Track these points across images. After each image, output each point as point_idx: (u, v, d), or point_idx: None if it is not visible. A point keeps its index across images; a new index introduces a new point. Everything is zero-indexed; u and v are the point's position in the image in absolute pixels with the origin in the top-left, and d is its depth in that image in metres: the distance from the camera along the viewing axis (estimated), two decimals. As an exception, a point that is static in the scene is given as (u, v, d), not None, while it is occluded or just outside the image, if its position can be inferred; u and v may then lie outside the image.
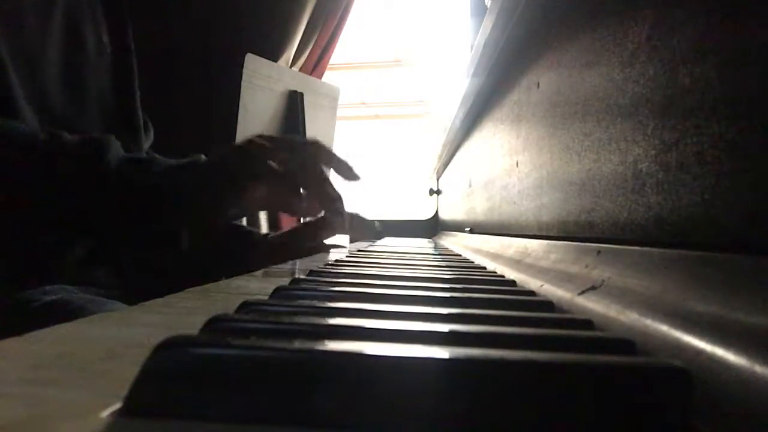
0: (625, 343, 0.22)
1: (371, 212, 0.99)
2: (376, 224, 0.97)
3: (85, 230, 0.60)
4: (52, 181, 0.56)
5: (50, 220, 0.57)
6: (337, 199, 0.67)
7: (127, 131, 0.82)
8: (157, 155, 0.64)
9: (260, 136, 0.65)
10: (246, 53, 1.48)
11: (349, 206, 0.82)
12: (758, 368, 0.16)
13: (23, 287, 0.61)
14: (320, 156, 0.68)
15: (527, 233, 0.60)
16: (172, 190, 0.60)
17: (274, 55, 1.79)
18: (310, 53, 1.98)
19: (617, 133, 0.35)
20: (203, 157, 0.65)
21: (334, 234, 0.71)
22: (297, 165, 0.65)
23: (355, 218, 0.87)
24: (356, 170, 0.73)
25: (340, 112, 1.88)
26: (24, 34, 0.66)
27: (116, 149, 0.60)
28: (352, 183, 0.73)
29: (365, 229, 0.91)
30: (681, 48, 0.27)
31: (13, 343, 0.22)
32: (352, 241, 1.38)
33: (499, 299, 0.35)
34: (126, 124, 0.82)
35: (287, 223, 1.86)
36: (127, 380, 0.16)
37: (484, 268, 0.63)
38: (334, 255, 0.65)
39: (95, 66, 0.78)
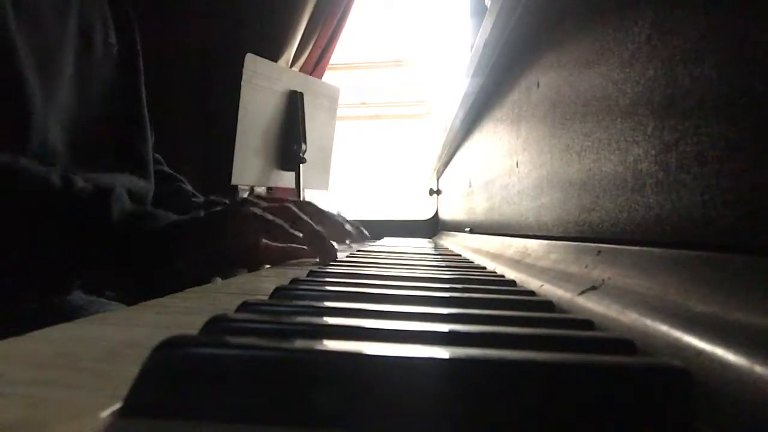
0: (625, 343, 0.22)
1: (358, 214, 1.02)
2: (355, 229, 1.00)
3: (80, 272, 0.61)
4: (54, 225, 0.57)
5: (48, 259, 0.58)
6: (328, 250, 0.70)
7: (133, 128, 0.82)
8: (160, 211, 0.65)
9: (255, 200, 0.69)
10: (246, 53, 1.48)
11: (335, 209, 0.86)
12: (758, 368, 0.16)
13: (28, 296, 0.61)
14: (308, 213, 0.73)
15: (527, 233, 0.60)
16: (164, 251, 0.62)
17: (274, 55, 1.79)
18: (310, 53, 1.98)
19: (617, 133, 0.35)
20: (200, 214, 0.67)
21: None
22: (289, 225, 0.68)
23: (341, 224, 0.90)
24: (345, 231, 0.81)
25: (340, 112, 1.88)
26: (43, 37, 0.67)
27: (122, 202, 0.62)
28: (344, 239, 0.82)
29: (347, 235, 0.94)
30: (681, 48, 0.27)
31: (13, 343, 0.22)
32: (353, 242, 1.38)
33: (499, 299, 0.35)
34: (132, 121, 0.83)
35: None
36: (127, 380, 0.16)
37: (484, 268, 0.63)
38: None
39: (102, 65, 0.78)
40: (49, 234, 0.57)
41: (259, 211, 0.64)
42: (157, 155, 0.98)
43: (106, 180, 0.66)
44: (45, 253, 0.57)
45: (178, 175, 1.00)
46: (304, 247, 0.70)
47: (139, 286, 0.72)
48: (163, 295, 0.37)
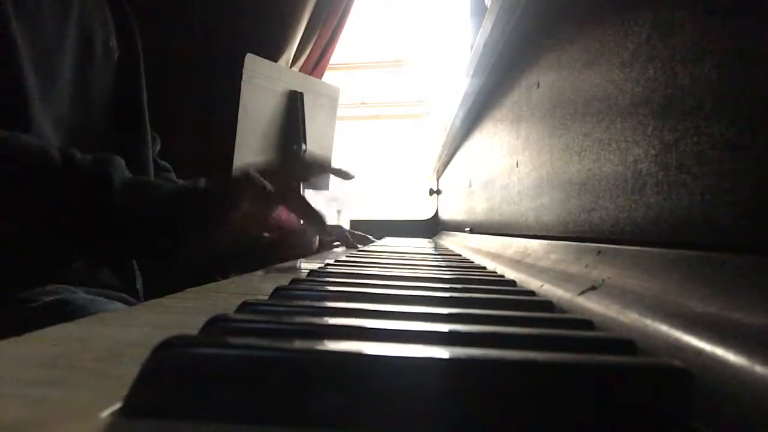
0: (625, 343, 0.22)
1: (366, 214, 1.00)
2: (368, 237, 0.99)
3: (84, 246, 0.61)
4: (56, 199, 0.57)
5: (51, 234, 0.58)
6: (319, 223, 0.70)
7: (133, 131, 0.82)
8: (161, 180, 0.65)
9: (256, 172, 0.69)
10: (246, 53, 1.48)
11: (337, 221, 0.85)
12: (758, 368, 0.16)
13: (29, 287, 0.61)
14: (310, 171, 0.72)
15: (527, 233, 0.60)
16: (169, 218, 0.61)
17: (274, 55, 1.79)
18: (310, 53, 1.98)
19: (617, 133, 0.35)
20: (203, 181, 0.66)
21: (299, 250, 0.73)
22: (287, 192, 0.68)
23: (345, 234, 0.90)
24: (347, 170, 0.79)
25: (340, 112, 1.88)
26: (42, 40, 0.67)
27: (122, 171, 0.61)
28: (347, 180, 0.80)
29: (358, 241, 0.93)
30: (681, 48, 0.27)
31: (13, 343, 0.22)
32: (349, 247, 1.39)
33: (499, 299, 0.35)
34: (132, 124, 0.82)
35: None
36: (127, 380, 0.16)
37: (484, 268, 0.63)
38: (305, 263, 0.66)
39: (103, 69, 0.78)
40: (50, 206, 0.57)
41: (262, 184, 0.65)
42: (165, 163, 0.98)
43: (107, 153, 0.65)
44: (47, 227, 0.57)
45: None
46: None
47: (141, 258, 0.71)
48: (162, 295, 0.37)
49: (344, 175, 0.79)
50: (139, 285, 0.77)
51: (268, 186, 0.65)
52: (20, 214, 0.56)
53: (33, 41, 0.65)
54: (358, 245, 0.99)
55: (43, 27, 0.67)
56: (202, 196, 0.64)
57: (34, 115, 0.63)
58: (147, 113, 0.85)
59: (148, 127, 0.86)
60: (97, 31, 0.77)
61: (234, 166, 1.48)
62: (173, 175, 0.99)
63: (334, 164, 0.81)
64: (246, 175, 0.66)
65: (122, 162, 0.62)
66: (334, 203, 3.46)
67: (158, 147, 0.97)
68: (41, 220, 0.57)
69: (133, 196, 0.60)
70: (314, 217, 0.70)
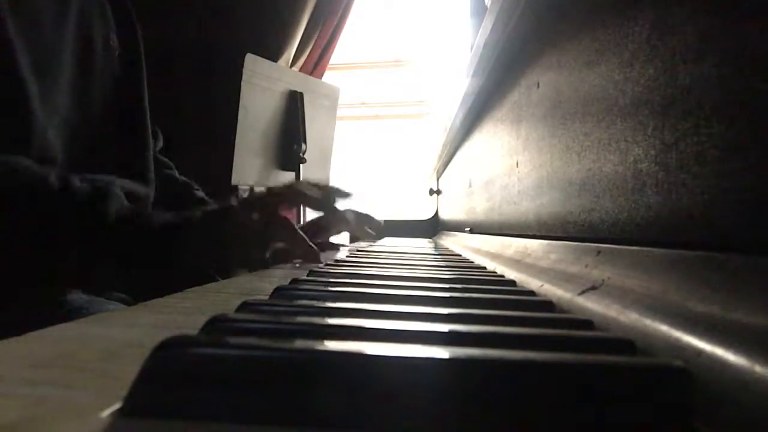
0: (625, 343, 0.22)
1: (373, 212, 0.99)
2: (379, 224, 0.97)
3: (76, 271, 0.62)
4: (51, 226, 0.57)
5: (44, 257, 0.59)
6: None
7: (133, 132, 0.82)
8: (156, 212, 0.65)
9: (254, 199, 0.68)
10: (246, 53, 1.48)
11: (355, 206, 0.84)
12: (758, 368, 0.16)
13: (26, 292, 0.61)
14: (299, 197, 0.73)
15: (527, 233, 0.60)
16: (163, 250, 0.62)
17: (274, 55, 1.80)
18: (310, 53, 1.98)
19: (617, 133, 0.35)
20: (197, 213, 0.66)
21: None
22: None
23: (362, 218, 0.89)
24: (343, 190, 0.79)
25: (340, 112, 1.88)
26: (40, 39, 0.66)
27: (119, 201, 0.62)
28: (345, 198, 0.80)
29: (369, 229, 0.92)
30: (681, 48, 0.27)
31: (13, 343, 0.22)
32: (352, 240, 1.38)
33: (499, 299, 0.35)
34: (132, 126, 0.82)
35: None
36: (127, 380, 0.16)
37: (484, 268, 0.63)
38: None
39: (104, 67, 0.77)
40: (47, 233, 0.57)
41: (255, 218, 0.65)
42: (166, 160, 0.97)
43: (105, 181, 0.65)
44: (44, 253, 0.57)
45: (190, 182, 0.99)
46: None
47: (138, 284, 0.71)
48: (162, 295, 0.37)
49: (342, 194, 0.79)
50: (138, 285, 0.77)
51: (255, 219, 0.65)
52: (16, 236, 0.56)
53: (31, 41, 0.64)
54: (369, 230, 0.97)
55: (41, 26, 0.67)
56: (195, 228, 0.64)
57: (34, 115, 0.63)
58: (148, 111, 0.85)
59: (149, 127, 0.85)
60: (96, 28, 0.77)
61: (234, 167, 1.49)
62: (175, 172, 0.99)
63: (330, 184, 0.80)
64: (232, 208, 0.66)
65: (120, 193, 0.63)
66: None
67: (160, 143, 0.97)
68: (36, 243, 0.57)
69: (129, 226, 0.61)
70: (301, 247, 0.68)
